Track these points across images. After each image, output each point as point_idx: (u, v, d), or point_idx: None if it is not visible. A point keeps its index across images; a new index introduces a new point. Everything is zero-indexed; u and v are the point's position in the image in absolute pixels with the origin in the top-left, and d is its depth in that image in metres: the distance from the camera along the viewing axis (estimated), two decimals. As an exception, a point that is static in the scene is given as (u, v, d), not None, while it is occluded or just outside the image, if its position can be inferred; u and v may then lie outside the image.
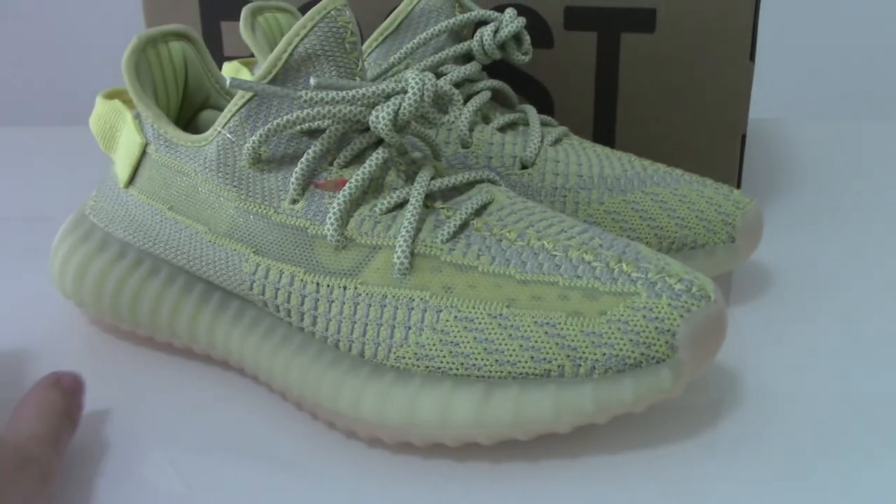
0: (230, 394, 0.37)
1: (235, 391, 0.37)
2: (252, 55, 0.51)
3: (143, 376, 0.38)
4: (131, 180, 0.39)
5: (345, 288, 0.33)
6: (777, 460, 0.32)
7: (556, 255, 0.33)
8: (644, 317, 0.31)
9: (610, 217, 0.42)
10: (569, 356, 0.31)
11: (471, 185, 0.37)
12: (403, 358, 0.32)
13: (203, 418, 0.35)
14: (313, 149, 0.35)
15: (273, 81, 0.35)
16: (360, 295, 0.33)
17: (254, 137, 0.35)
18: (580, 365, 0.31)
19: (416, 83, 0.34)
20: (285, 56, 0.34)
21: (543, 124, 0.45)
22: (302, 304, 0.34)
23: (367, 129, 0.35)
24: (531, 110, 0.45)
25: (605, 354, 0.31)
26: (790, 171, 0.61)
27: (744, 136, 0.51)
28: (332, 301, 0.34)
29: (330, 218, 0.34)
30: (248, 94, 0.35)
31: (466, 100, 0.44)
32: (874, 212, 0.54)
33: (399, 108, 0.34)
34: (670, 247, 0.41)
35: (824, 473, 0.32)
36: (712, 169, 0.52)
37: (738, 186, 0.52)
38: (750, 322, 0.42)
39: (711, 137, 0.51)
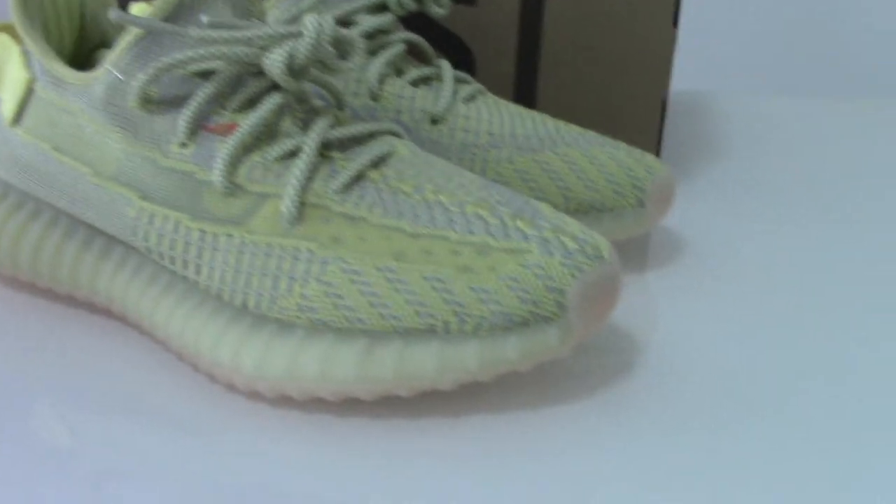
0: (112, 343, 0.35)
1: (118, 341, 0.35)
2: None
3: (25, 324, 0.36)
4: (17, 118, 0.37)
5: (230, 236, 0.32)
6: (666, 425, 0.32)
7: (451, 210, 0.32)
8: (534, 275, 0.30)
9: (519, 176, 0.41)
10: (455, 312, 0.30)
11: (372, 136, 0.36)
12: (286, 310, 0.31)
13: (83, 369, 0.34)
14: (203, 90, 0.33)
15: (165, 19, 0.33)
16: (245, 244, 0.32)
17: (142, 76, 0.33)
18: (466, 321, 0.30)
19: (313, 26, 0.32)
20: (178, -8, 0.33)
21: (458, 80, 0.44)
22: (186, 251, 0.33)
23: (263, 72, 0.34)
24: (445, 65, 0.44)
25: (491, 311, 0.30)
26: (714, 142, 0.61)
27: (664, 102, 0.51)
28: (217, 249, 0.32)
29: (219, 163, 0.32)
30: (139, 32, 0.34)
31: (379, 51, 0.43)
32: (795, 186, 0.54)
33: (294, 52, 0.32)
34: (577, 209, 0.40)
35: (719, 441, 0.31)
36: (633, 134, 0.51)
37: (659, 153, 0.52)
38: (662, 288, 0.41)
39: (633, 102, 0.51)
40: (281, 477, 0.29)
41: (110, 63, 0.34)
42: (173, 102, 0.34)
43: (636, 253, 0.45)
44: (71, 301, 0.38)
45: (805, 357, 0.36)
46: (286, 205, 0.32)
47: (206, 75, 0.34)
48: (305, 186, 0.32)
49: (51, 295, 0.38)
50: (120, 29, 0.40)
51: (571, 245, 0.31)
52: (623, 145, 0.42)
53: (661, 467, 0.30)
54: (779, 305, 0.40)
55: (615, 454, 0.30)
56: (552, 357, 0.31)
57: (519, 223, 0.32)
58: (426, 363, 0.30)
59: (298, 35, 0.33)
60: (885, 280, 0.43)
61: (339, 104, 0.37)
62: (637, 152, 0.42)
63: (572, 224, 0.32)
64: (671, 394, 0.34)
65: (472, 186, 0.33)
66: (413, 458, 0.30)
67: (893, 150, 0.61)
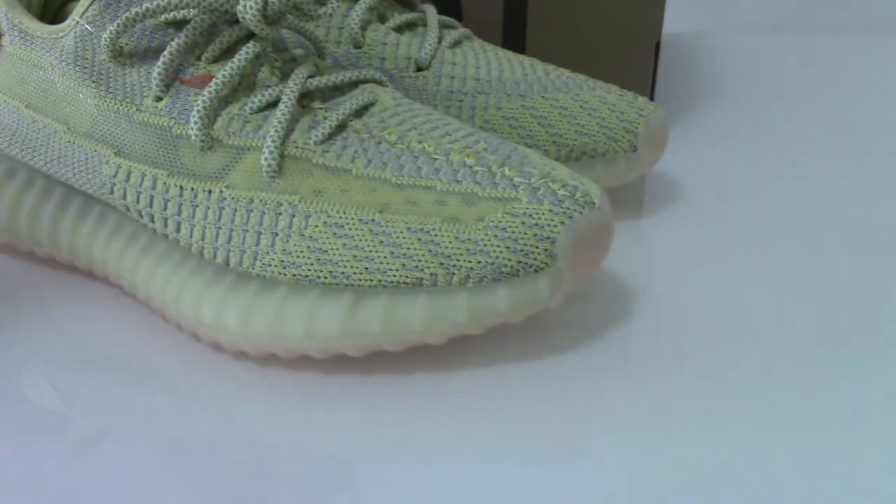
0: (96, 304, 0.34)
1: (101, 301, 0.35)
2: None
3: (7, 286, 0.35)
4: (-13, 76, 0.36)
5: (210, 192, 0.31)
6: (662, 373, 0.31)
7: (436, 159, 0.31)
8: (523, 223, 0.29)
9: (507, 123, 0.40)
10: (442, 264, 0.29)
11: (354, 85, 0.34)
12: (269, 266, 0.30)
13: (67, 331, 0.33)
14: (177, 41, 0.32)
15: (134, -33, 0.32)
16: (225, 199, 0.31)
17: (112, 27, 0.32)
18: (454, 273, 0.29)
19: (288, -30, 0.31)
20: (146, -62, 0.32)
21: (444, 26, 0.43)
22: (165, 208, 0.32)
23: (238, 20, 0.33)
24: (430, 10, 0.43)
25: (480, 262, 0.29)
26: (709, 84, 0.60)
27: (658, 44, 0.49)
28: (197, 206, 0.31)
29: (194, 116, 0.31)
30: (108, -19, 0.32)
31: (360, -3, 0.41)
32: (791, 127, 0.53)
33: (269, -3, 0.31)
34: (569, 155, 0.39)
35: (715, 387, 0.31)
36: (626, 76, 0.50)
37: (652, 96, 0.51)
38: (656, 235, 0.41)
39: (625, 44, 0.49)
40: (268, 436, 0.28)
41: (79, 14, 0.33)
42: (146, 54, 0.32)
43: (630, 199, 0.44)
44: (53, 263, 0.37)
45: (802, 299, 0.35)
46: (266, 158, 0.31)
47: (178, 25, 0.32)
48: (285, 138, 0.31)
49: (32, 257, 0.37)
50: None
51: (561, 192, 0.30)
52: (614, 88, 0.41)
53: (656, 416, 0.29)
54: (776, 248, 0.39)
55: (609, 404, 0.30)
56: (543, 308, 0.30)
57: (506, 170, 0.31)
58: (414, 317, 0.29)
59: (273, -20, 0.31)
60: (885, 219, 0.42)
61: (320, 52, 0.36)
62: (629, 95, 0.41)
63: (562, 170, 0.31)
64: (666, 342, 0.33)
65: (458, 134, 0.32)
66: (403, 414, 0.29)
67: (890, 87, 0.60)
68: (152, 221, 0.32)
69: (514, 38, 0.50)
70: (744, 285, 0.36)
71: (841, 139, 0.51)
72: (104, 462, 0.27)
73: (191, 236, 0.31)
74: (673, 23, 0.64)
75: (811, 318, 0.34)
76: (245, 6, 0.31)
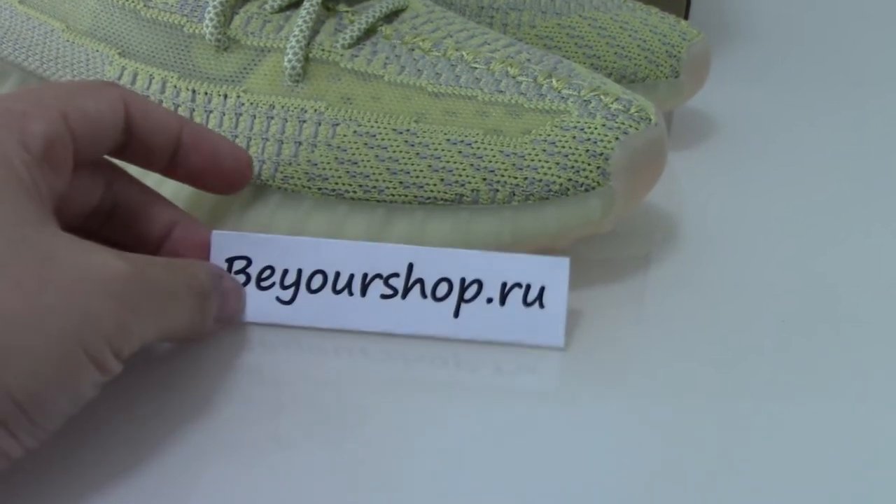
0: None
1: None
2: None
3: None
4: (-24, -32, 0.32)
5: (225, 96, 0.28)
6: (690, 315, 0.28)
7: (476, 68, 0.28)
8: (574, 138, 0.27)
9: (542, 42, 0.37)
10: (485, 179, 0.27)
11: (382, -11, 0.31)
12: (292, 178, 0.28)
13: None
14: (190, -72, 0.29)
15: None
16: (243, 104, 0.28)
17: (118, -89, 0.29)
18: (498, 190, 0.27)
19: None
20: None
21: (472, -62, 0.40)
22: (175, 114, 0.29)
23: None
24: (459, -81, 0.39)
25: (527, 179, 0.27)
26: (742, 14, 0.57)
27: (693, -29, 0.46)
28: (211, 111, 0.28)
29: (209, 13, 0.28)
30: None
31: None
32: (825, 61, 0.50)
33: None
34: (608, 78, 0.37)
35: (744, 331, 0.28)
36: (659, 4, 0.47)
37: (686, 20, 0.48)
38: (686, 170, 0.38)
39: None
40: (277, 359, 0.26)
41: None
42: (155, -56, 0.29)
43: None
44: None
45: (834, 243, 0.33)
46: (289, 59, 0.28)
47: (192, -88, 0.29)
48: (310, 40, 0.28)
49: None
50: None
51: (614, 105, 0.27)
52: (654, 10, 0.38)
53: (682, 359, 0.26)
54: (810, 187, 0.37)
55: (636, 346, 0.27)
56: (593, 232, 0.27)
57: (553, 82, 0.28)
58: (452, 236, 0.27)
59: None
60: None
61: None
62: (670, 18, 0.38)
63: (611, 84, 0.29)
64: (689, 287, 0.30)
65: (498, 44, 0.30)
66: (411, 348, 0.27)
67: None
68: (160, 129, 0.29)
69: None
70: (774, 229, 0.34)
71: (884, 74, 0.48)
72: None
73: (204, 146, 0.28)
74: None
75: (847, 263, 0.32)
76: None
